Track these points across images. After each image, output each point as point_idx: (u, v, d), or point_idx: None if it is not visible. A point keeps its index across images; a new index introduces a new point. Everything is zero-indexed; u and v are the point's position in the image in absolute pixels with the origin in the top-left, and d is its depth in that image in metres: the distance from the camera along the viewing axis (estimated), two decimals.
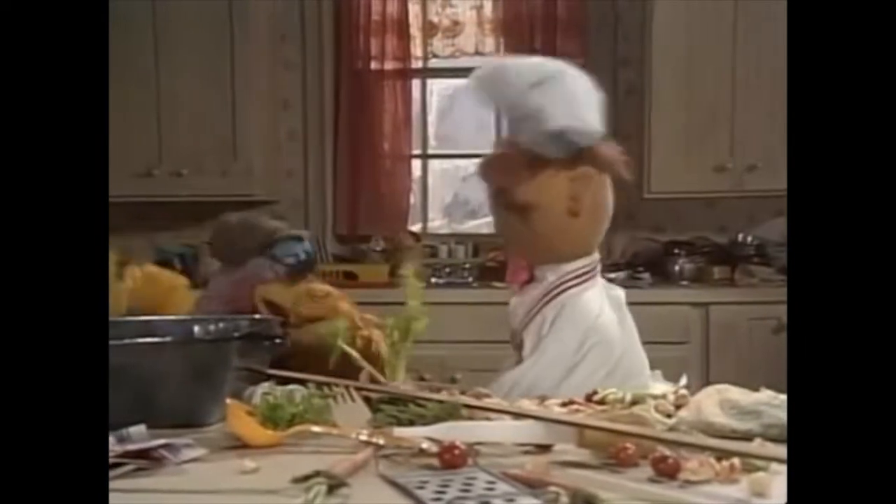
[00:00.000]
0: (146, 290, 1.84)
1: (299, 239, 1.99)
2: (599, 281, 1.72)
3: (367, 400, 1.28)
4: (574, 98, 1.64)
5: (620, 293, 1.77)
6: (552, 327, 1.63)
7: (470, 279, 4.20)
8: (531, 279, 1.68)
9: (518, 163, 1.64)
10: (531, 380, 1.59)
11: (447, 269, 4.29)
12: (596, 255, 1.71)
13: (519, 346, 1.67)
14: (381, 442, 1.11)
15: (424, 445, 1.07)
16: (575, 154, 1.63)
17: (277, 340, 1.41)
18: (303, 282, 1.83)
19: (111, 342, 1.36)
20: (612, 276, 4.00)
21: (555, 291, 1.66)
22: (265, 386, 1.36)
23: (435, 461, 1.06)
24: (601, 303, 1.69)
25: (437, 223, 4.65)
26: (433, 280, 4.18)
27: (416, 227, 4.50)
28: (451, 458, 1.03)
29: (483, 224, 4.63)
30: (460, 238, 4.48)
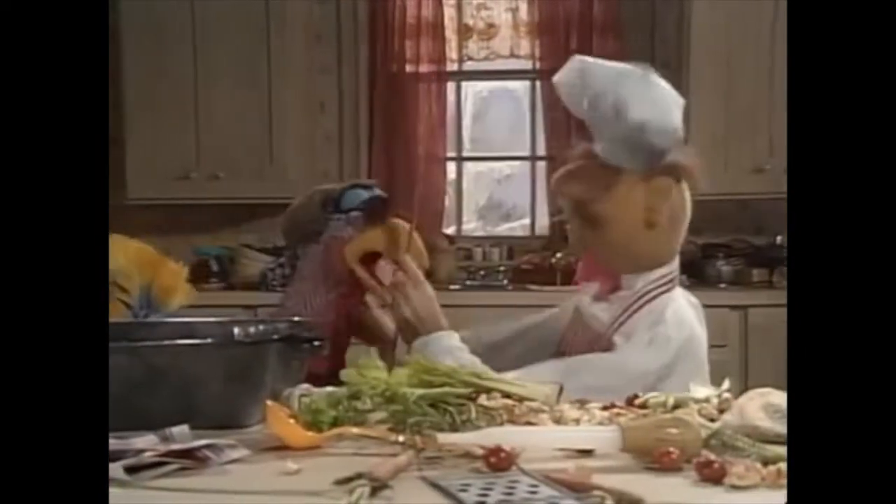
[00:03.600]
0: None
1: (360, 186, 1.96)
2: (680, 289, 1.71)
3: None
4: (659, 95, 1.63)
5: (697, 302, 1.75)
6: (654, 326, 1.60)
7: (504, 282, 4.20)
8: (617, 287, 1.66)
9: (594, 174, 1.62)
10: (631, 366, 1.55)
11: (481, 272, 4.29)
12: (676, 262, 1.70)
13: (603, 350, 1.64)
14: (422, 445, 1.11)
15: (471, 448, 1.07)
16: (653, 164, 1.61)
17: (316, 343, 1.41)
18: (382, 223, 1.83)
19: (153, 343, 1.38)
20: None
21: (647, 297, 1.63)
22: (302, 387, 1.36)
23: (476, 464, 1.06)
24: (690, 311, 1.69)
25: (471, 226, 4.65)
26: (467, 283, 4.18)
27: (450, 230, 4.50)
28: (497, 461, 1.03)
29: (517, 227, 4.62)
30: (495, 241, 4.47)
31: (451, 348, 1.64)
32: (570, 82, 1.64)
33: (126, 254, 1.76)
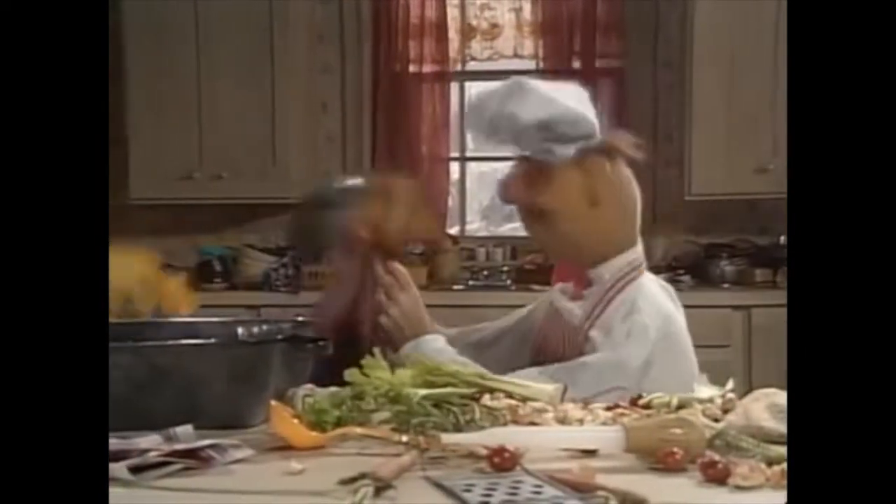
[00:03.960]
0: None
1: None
2: (649, 274, 1.74)
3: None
4: (544, 94, 1.67)
5: (670, 287, 1.79)
6: (629, 317, 1.62)
7: (508, 282, 4.19)
8: (589, 283, 1.68)
9: (531, 175, 1.68)
10: (615, 364, 1.57)
11: (485, 272, 4.29)
12: (639, 248, 1.72)
13: (578, 346, 1.66)
14: (426, 445, 1.11)
15: (475, 448, 1.07)
16: (579, 150, 1.65)
17: (321, 343, 1.41)
18: None
19: (157, 343, 1.38)
20: (652, 277, 3.98)
21: (618, 285, 1.66)
22: (306, 387, 1.36)
23: (479, 464, 1.06)
24: (662, 293, 1.72)
25: (474, 226, 4.65)
26: (470, 283, 4.18)
27: (453, 230, 4.50)
28: (500, 461, 1.03)
29: (521, 227, 4.61)
30: (498, 241, 4.47)
31: (441, 351, 1.67)
32: (477, 121, 1.73)
33: (133, 275, 1.77)
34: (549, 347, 1.71)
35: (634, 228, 1.73)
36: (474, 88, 4.57)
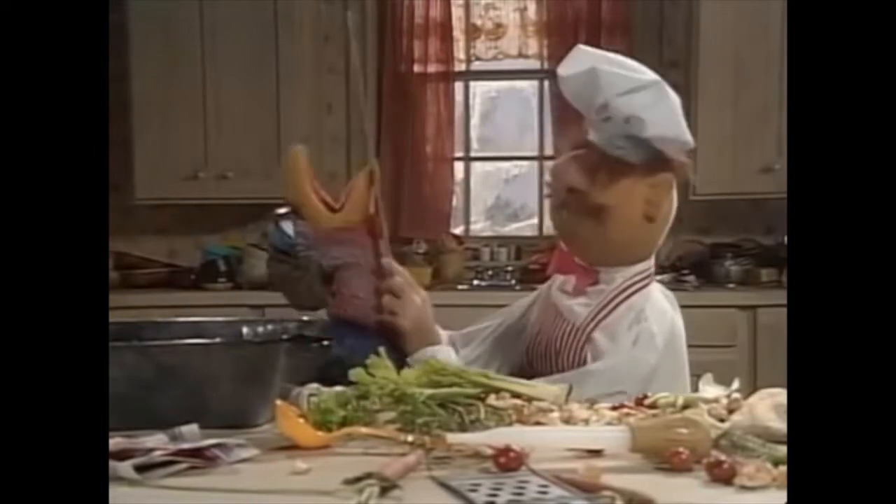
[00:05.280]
0: None
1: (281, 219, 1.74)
2: (655, 283, 1.72)
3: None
4: (671, 109, 1.63)
5: (671, 294, 1.77)
6: (637, 324, 1.61)
7: (512, 282, 4.19)
8: (595, 281, 1.66)
9: (596, 165, 1.62)
10: (621, 370, 1.56)
11: (489, 272, 4.28)
12: (653, 258, 1.71)
13: (578, 347, 1.65)
14: (431, 445, 1.10)
15: (480, 448, 1.06)
16: (654, 159, 1.61)
17: (325, 343, 1.41)
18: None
19: (162, 343, 1.38)
20: (658, 278, 3.97)
21: (627, 292, 1.64)
22: (311, 387, 1.36)
23: (485, 464, 1.06)
24: (666, 302, 1.70)
25: (479, 226, 4.64)
26: (475, 283, 4.18)
27: (458, 230, 4.50)
28: (506, 461, 1.02)
29: (525, 227, 4.62)
30: (503, 241, 4.47)
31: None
32: (580, 83, 1.64)
33: None
34: (545, 345, 1.67)
35: (661, 243, 1.71)
36: (479, 88, 4.58)
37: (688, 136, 1.65)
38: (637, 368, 1.56)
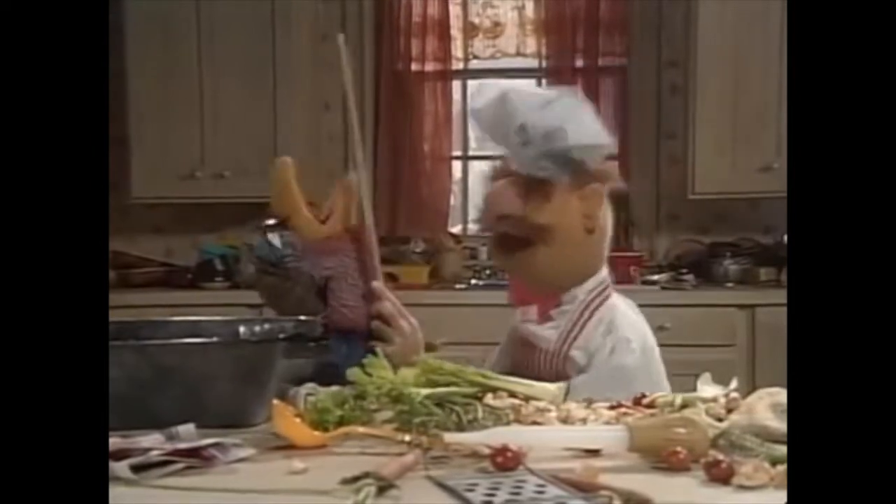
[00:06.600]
0: None
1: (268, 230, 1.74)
2: (614, 293, 1.74)
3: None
4: (588, 116, 1.65)
5: (632, 302, 1.78)
6: (609, 334, 1.63)
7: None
8: (559, 303, 1.67)
9: (525, 190, 1.64)
10: (602, 381, 1.57)
11: (487, 271, 4.28)
12: (605, 270, 1.72)
13: (556, 369, 1.65)
14: (428, 445, 1.10)
15: (477, 448, 1.06)
16: (579, 172, 1.63)
17: (323, 342, 1.41)
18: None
19: (159, 342, 1.38)
20: (656, 278, 3.98)
21: (592, 305, 1.66)
22: (308, 386, 1.36)
23: (482, 464, 1.05)
24: (630, 310, 1.73)
25: (477, 225, 4.64)
26: (472, 282, 4.18)
27: (456, 229, 4.49)
28: (503, 461, 1.02)
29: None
30: None
31: None
32: (494, 112, 1.66)
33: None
34: (523, 375, 1.62)
35: (607, 253, 1.73)
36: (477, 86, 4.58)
37: (607, 139, 1.67)
38: (618, 375, 1.57)
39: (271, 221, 1.69)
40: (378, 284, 1.66)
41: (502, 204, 1.67)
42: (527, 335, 1.69)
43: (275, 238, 1.67)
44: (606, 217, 1.69)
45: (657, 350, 1.69)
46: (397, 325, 1.64)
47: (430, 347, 1.69)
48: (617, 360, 1.60)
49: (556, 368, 1.63)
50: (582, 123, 1.62)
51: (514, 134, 1.62)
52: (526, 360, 1.68)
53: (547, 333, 1.66)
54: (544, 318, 1.68)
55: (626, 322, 1.66)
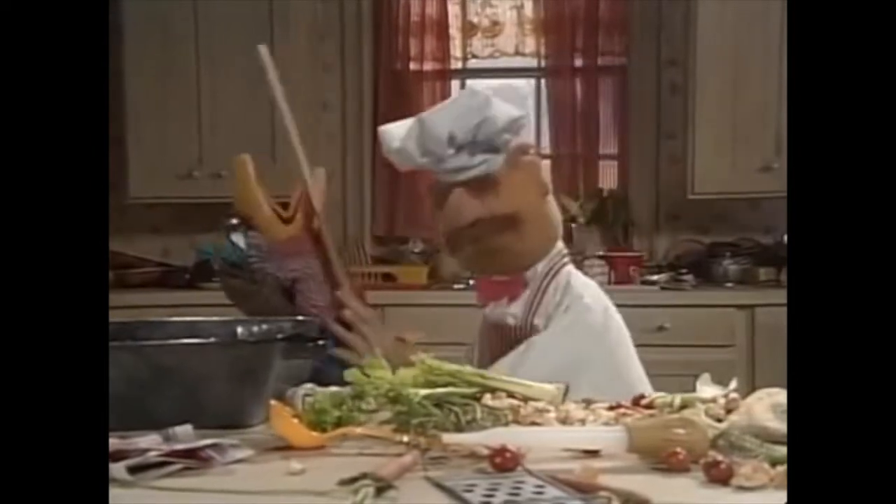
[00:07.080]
0: None
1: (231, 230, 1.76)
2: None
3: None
4: (490, 100, 1.66)
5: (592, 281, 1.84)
6: (565, 295, 1.68)
7: None
8: (525, 285, 1.71)
9: (478, 189, 1.66)
10: (558, 337, 1.63)
11: None
12: (561, 241, 1.78)
13: (522, 339, 1.69)
14: (427, 445, 1.10)
15: (476, 448, 1.06)
16: (511, 152, 1.67)
17: (321, 342, 1.41)
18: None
19: (157, 342, 1.37)
20: (655, 278, 3.98)
21: (550, 274, 1.71)
22: (306, 387, 1.36)
23: (481, 464, 1.05)
24: (591, 280, 1.80)
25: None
26: (471, 282, 4.16)
27: None
28: (502, 462, 1.02)
29: None
30: None
31: None
32: (416, 138, 1.68)
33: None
34: (498, 355, 1.69)
35: (560, 223, 1.78)
36: (475, 86, 4.57)
37: (518, 110, 1.72)
38: (574, 330, 1.63)
39: (234, 221, 1.68)
40: (340, 293, 1.67)
41: (463, 214, 1.68)
42: (496, 319, 1.74)
43: (239, 239, 1.66)
44: (547, 182, 1.74)
45: (618, 315, 1.72)
46: (358, 331, 1.65)
47: (402, 341, 1.68)
48: (572, 317, 1.66)
49: (524, 337, 1.68)
50: (494, 106, 1.66)
51: (446, 145, 1.65)
52: (500, 342, 1.72)
53: (513, 310, 1.71)
54: (512, 301, 1.73)
55: (580, 282, 1.73)
